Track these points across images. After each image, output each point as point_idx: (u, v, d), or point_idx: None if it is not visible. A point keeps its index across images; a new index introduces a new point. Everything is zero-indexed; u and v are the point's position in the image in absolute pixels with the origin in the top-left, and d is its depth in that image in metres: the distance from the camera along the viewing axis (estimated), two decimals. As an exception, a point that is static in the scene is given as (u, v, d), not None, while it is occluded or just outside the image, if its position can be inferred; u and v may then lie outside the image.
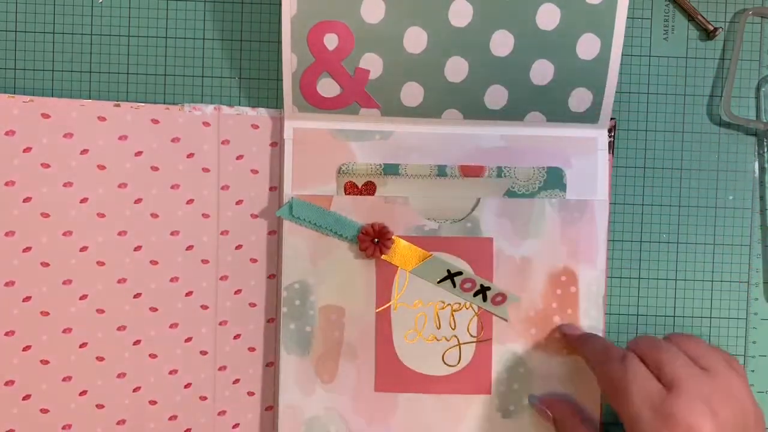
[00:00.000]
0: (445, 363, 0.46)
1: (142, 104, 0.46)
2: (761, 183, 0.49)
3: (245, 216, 0.47)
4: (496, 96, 0.45)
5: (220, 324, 0.47)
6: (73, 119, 0.45)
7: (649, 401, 0.38)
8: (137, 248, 0.46)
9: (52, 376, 0.46)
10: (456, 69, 0.45)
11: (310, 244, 0.46)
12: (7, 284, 0.45)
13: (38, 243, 0.45)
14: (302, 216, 0.46)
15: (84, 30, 0.47)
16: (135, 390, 0.47)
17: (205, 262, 0.47)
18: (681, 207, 0.49)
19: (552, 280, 0.46)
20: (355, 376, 0.46)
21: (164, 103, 0.47)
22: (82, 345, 0.46)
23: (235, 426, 0.47)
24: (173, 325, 0.47)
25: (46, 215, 0.45)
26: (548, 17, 0.44)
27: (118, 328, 0.46)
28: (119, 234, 0.46)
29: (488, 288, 0.46)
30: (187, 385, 0.47)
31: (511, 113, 0.46)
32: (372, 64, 0.45)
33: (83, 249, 0.46)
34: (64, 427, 0.46)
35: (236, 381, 0.47)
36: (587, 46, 0.45)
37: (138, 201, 0.46)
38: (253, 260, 0.47)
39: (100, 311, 0.46)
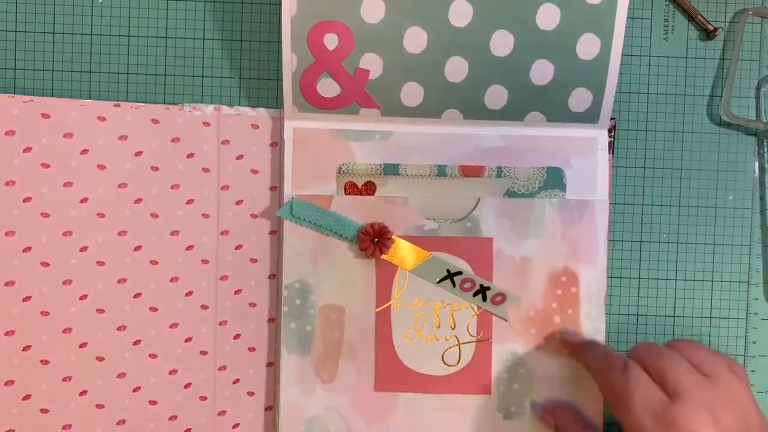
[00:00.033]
0: (444, 363, 0.46)
1: (142, 104, 0.46)
2: (761, 183, 0.49)
3: (245, 216, 0.47)
4: (496, 96, 0.45)
5: (220, 324, 0.47)
6: (73, 119, 0.45)
7: (651, 410, 0.38)
8: (137, 248, 0.46)
9: (52, 376, 0.46)
10: (456, 69, 0.45)
11: (311, 243, 0.46)
12: (7, 284, 0.45)
13: (38, 243, 0.45)
14: (302, 216, 0.46)
15: (84, 30, 0.47)
16: (135, 390, 0.47)
17: (205, 262, 0.47)
18: (681, 207, 0.49)
19: (552, 280, 0.46)
20: (355, 376, 0.46)
21: (164, 103, 0.47)
22: (82, 345, 0.46)
23: (235, 426, 0.47)
24: (173, 325, 0.47)
25: (46, 215, 0.45)
26: (548, 17, 0.44)
27: (118, 328, 0.46)
28: (119, 234, 0.46)
29: (488, 288, 0.46)
30: (187, 385, 0.47)
31: (511, 113, 0.46)
32: (372, 64, 0.45)
33: (83, 249, 0.46)
34: (64, 427, 0.46)
35: (236, 381, 0.47)
36: (587, 46, 0.45)
37: (138, 201, 0.46)
38: (253, 260, 0.47)
39: (100, 311, 0.46)
